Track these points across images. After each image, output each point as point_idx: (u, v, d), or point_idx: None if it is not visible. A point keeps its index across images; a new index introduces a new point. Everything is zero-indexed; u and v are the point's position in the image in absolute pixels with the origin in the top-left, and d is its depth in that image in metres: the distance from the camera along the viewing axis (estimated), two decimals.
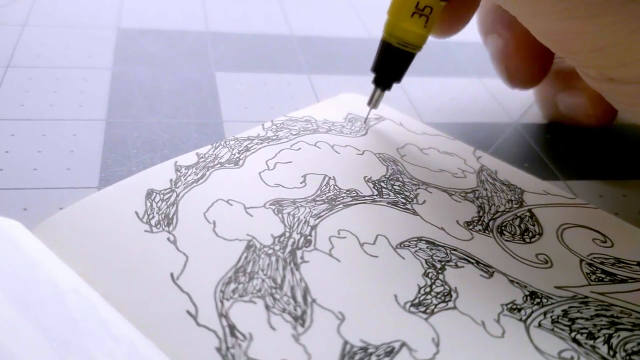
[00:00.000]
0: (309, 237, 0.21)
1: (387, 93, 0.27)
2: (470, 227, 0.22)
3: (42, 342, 0.15)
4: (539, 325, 0.19)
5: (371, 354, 0.17)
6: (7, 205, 0.21)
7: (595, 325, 0.19)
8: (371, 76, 0.26)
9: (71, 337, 0.16)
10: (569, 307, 0.19)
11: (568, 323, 0.19)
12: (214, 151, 0.24)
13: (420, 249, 0.21)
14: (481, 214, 0.23)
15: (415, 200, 0.23)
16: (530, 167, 0.27)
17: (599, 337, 0.19)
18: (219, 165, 0.23)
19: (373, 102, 0.27)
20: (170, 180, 0.22)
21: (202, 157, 0.24)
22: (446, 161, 0.26)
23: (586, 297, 0.20)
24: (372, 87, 0.27)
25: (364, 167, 0.25)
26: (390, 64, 0.26)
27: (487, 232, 0.22)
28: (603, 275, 0.21)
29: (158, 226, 0.20)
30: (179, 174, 0.23)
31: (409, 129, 0.28)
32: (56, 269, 0.18)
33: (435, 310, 0.19)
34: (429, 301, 0.19)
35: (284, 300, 0.18)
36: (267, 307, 0.18)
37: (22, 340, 0.15)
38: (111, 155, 0.24)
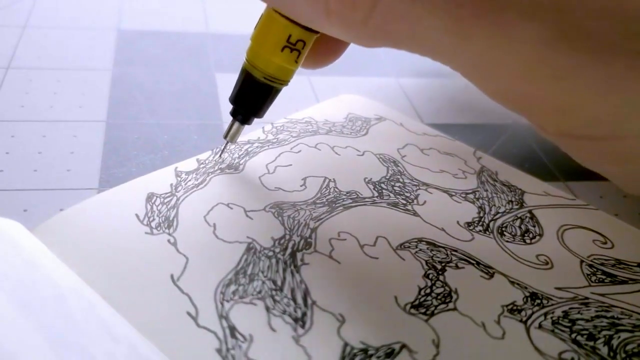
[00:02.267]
0: (309, 240, 0.21)
1: (388, 94, 0.26)
2: (471, 227, 0.22)
3: (42, 343, 0.15)
4: (540, 326, 0.19)
5: (371, 355, 0.17)
6: (8, 206, 0.21)
7: (595, 327, 0.19)
8: (375, 79, 0.26)
9: (71, 338, 0.16)
10: (570, 308, 0.19)
11: (568, 324, 0.19)
12: (214, 157, 0.24)
13: (420, 250, 0.21)
14: (482, 214, 0.23)
15: (415, 201, 0.23)
16: (531, 168, 0.27)
17: (599, 338, 0.19)
18: (219, 171, 0.23)
19: (230, 136, 0.23)
20: (171, 184, 0.22)
21: (202, 163, 0.24)
22: (447, 162, 0.26)
23: (586, 298, 0.20)
24: (372, 90, 0.26)
25: (364, 169, 0.25)
26: (252, 98, 0.22)
27: (487, 233, 0.22)
28: (603, 277, 0.21)
29: (158, 228, 0.20)
30: (179, 179, 0.23)
31: (409, 129, 0.28)
32: (56, 270, 0.18)
33: (436, 311, 0.19)
34: (429, 302, 0.19)
35: (284, 302, 0.18)
36: (267, 308, 0.18)
37: (23, 341, 0.15)
38: (111, 157, 0.24)
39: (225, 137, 0.23)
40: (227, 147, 0.25)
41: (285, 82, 0.22)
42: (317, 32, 0.21)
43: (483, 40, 0.17)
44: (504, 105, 0.20)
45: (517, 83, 0.18)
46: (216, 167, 0.24)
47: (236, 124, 0.23)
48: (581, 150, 0.20)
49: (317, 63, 0.23)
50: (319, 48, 0.22)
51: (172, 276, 0.18)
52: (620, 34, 0.17)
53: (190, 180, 0.23)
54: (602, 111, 0.18)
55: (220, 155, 0.24)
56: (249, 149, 0.25)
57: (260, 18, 0.21)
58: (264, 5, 0.21)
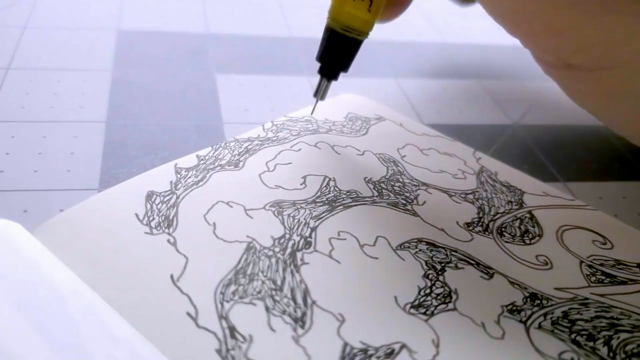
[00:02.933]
0: (309, 239, 0.21)
1: (387, 94, 0.27)
2: (470, 228, 0.22)
3: (42, 344, 0.15)
4: (539, 326, 0.19)
5: (371, 355, 0.17)
6: (8, 207, 0.21)
7: (595, 327, 0.19)
8: (374, 80, 0.26)
9: (71, 339, 0.16)
10: (569, 309, 0.19)
11: (568, 324, 0.19)
12: (214, 153, 0.24)
13: (420, 250, 0.21)
14: (481, 215, 0.23)
15: (415, 201, 0.23)
16: (530, 168, 0.27)
17: (599, 338, 0.19)
18: (219, 168, 0.23)
19: (320, 94, 0.25)
20: (171, 182, 0.22)
21: (202, 159, 0.24)
22: (446, 162, 0.26)
23: (586, 298, 0.20)
24: (371, 91, 0.27)
25: (364, 168, 0.25)
26: (335, 52, 0.24)
27: (487, 233, 0.22)
28: (603, 277, 0.21)
29: (158, 228, 0.20)
30: (179, 176, 0.23)
31: (409, 129, 0.28)
32: (56, 271, 0.18)
33: (435, 311, 0.19)
34: (429, 302, 0.19)
35: (284, 302, 0.18)
36: (267, 308, 0.18)
37: (23, 342, 0.15)
38: (111, 157, 0.24)
39: (315, 95, 0.25)
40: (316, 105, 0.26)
41: (364, 33, 0.24)
42: None
43: None
44: (504, 26, 0.21)
45: (518, 0, 0.19)
46: (216, 164, 0.24)
47: (324, 81, 0.25)
48: (576, 83, 0.21)
49: (387, 16, 0.25)
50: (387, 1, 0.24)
51: (171, 276, 0.19)
52: None
53: (190, 177, 0.23)
54: (594, 33, 0.19)
55: (312, 113, 0.27)
56: (249, 147, 0.25)
57: None
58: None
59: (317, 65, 0.24)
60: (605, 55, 0.19)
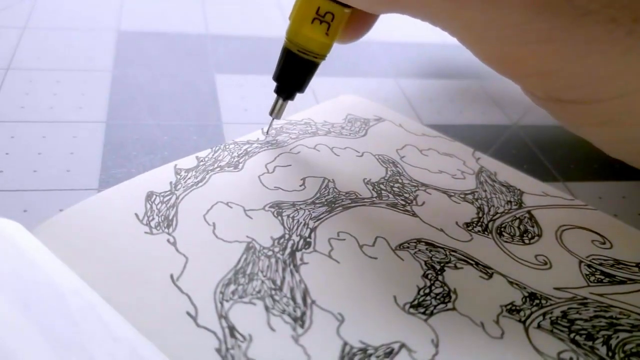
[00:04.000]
0: (308, 239, 0.21)
1: (387, 95, 0.27)
2: (470, 228, 0.22)
3: (43, 343, 0.15)
4: (538, 326, 0.19)
5: (370, 355, 0.17)
6: (8, 206, 0.21)
7: (594, 327, 0.19)
8: (374, 80, 0.26)
9: (71, 338, 0.16)
10: (568, 308, 0.19)
11: (567, 324, 0.19)
12: (213, 155, 0.24)
13: (419, 250, 0.21)
14: (480, 215, 0.23)
15: (414, 201, 0.23)
16: (530, 168, 0.27)
17: (598, 338, 0.19)
18: (218, 169, 0.23)
19: (275, 112, 0.25)
20: (170, 183, 0.22)
21: (201, 161, 0.24)
22: (445, 162, 0.26)
23: (585, 298, 0.20)
24: (371, 91, 0.27)
25: (363, 169, 0.25)
26: (292, 73, 0.24)
27: (486, 233, 0.22)
28: (602, 277, 0.21)
29: (158, 228, 0.20)
30: (178, 177, 0.23)
31: (408, 130, 0.28)
32: (56, 270, 0.18)
33: (435, 311, 0.19)
34: (428, 302, 0.19)
35: (283, 302, 0.18)
36: (266, 308, 0.18)
37: (23, 341, 0.15)
38: (111, 157, 0.24)
39: (271, 113, 0.25)
40: (272, 125, 0.26)
41: (320, 56, 0.24)
42: (344, 5, 0.22)
43: (476, 6, 0.19)
44: (496, 69, 0.21)
45: (506, 46, 0.20)
46: (216, 165, 0.24)
47: (280, 101, 0.25)
48: (567, 114, 0.21)
49: (348, 37, 0.25)
50: (349, 22, 0.24)
51: (171, 276, 0.19)
52: (599, 1, 0.18)
53: (189, 178, 0.23)
54: (582, 73, 0.19)
55: (267, 132, 0.26)
56: (248, 149, 0.25)
57: None
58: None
59: None
60: (593, 91, 0.20)
